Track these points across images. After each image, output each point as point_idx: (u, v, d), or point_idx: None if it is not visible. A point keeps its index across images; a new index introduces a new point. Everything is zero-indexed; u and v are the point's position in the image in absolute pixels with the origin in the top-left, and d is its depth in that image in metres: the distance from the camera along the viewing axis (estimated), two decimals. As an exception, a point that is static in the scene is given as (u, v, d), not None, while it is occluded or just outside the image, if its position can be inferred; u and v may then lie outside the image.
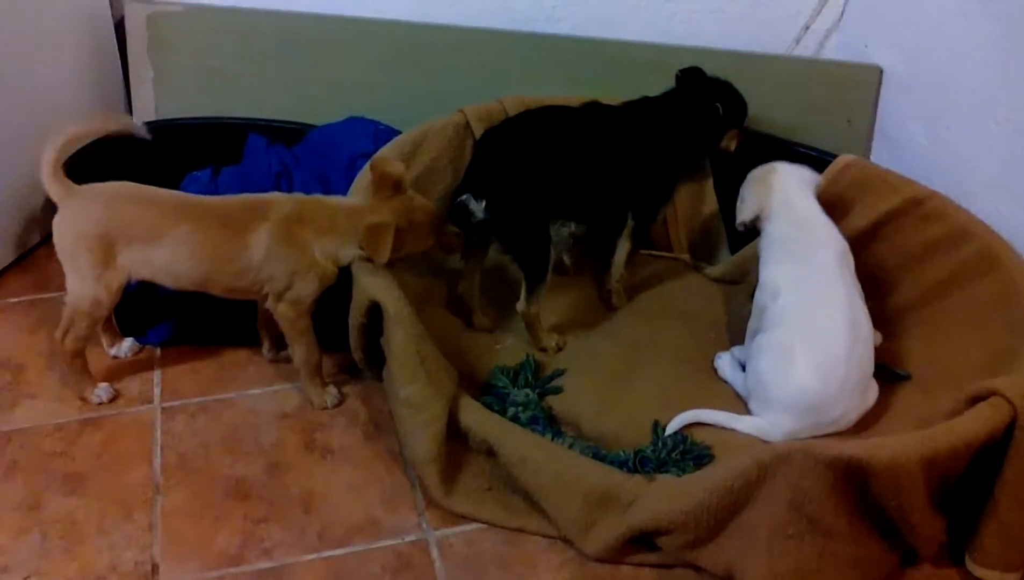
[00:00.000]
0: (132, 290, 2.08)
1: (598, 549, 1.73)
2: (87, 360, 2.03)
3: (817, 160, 2.37)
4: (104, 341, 2.14)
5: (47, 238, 1.91)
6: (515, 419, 1.92)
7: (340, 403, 2.06)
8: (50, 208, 1.92)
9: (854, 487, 1.59)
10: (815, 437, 1.89)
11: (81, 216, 1.88)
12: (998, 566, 1.70)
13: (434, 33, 2.57)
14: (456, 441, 1.83)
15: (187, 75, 2.60)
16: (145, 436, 1.97)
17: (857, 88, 2.59)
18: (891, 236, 2.20)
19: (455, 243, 2.06)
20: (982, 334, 1.94)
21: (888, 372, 2.03)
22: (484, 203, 2.03)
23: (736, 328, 2.17)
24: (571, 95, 2.31)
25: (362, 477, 1.90)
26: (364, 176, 2.01)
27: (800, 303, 1.96)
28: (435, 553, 1.76)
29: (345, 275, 1.95)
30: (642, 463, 1.84)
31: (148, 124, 2.57)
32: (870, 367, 1.93)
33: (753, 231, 2.16)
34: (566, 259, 2.40)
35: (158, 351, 2.18)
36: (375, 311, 1.86)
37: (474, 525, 1.81)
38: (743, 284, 2.31)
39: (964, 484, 1.68)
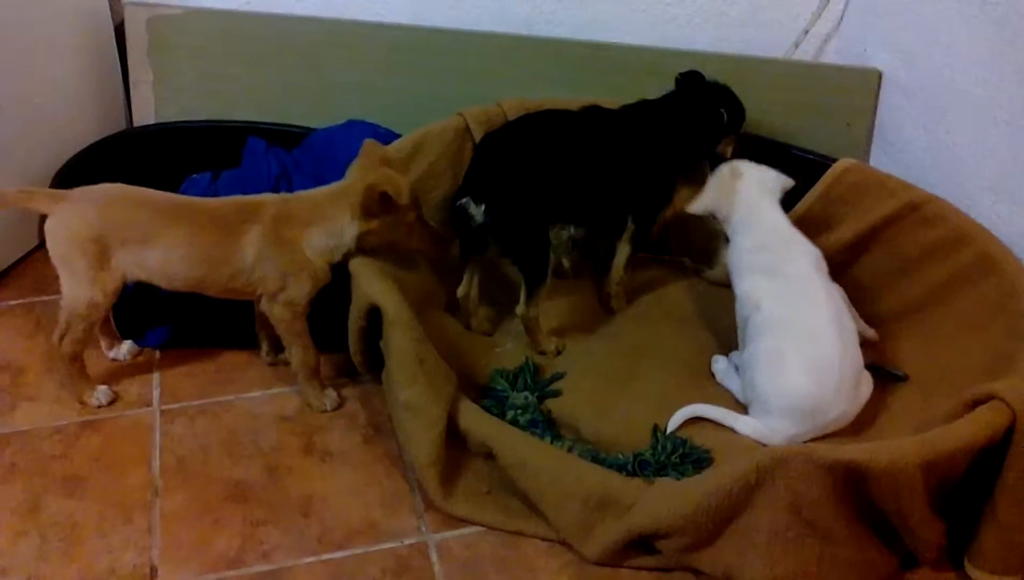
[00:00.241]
0: (130, 293, 2.08)
1: (597, 552, 1.73)
2: (85, 363, 2.02)
3: (816, 164, 2.37)
4: (103, 344, 2.14)
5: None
6: (514, 422, 1.92)
7: (339, 406, 2.06)
8: (49, 210, 1.92)
9: (853, 490, 1.59)
10: (816, 439, 1.89)
11: (74, 219, 1.88)
12: (997, 570, 1.69)
13: (433, 36, 2.58)
14: (455, 444, 1.83)
15: (187, 78, 2.60)
16: (144, 439, 1.97)
17: (856, 92, 2.59)
18: (890, 240, 2.20)
19: (437, 236, 2.02)
20: (981, 338, 1.94)
21: (884, 373, 2.04)
22: (483, 206, 2.04)
23: (735, 332, 2.16)
24: (570, 98, 2.31)
25: (361, 480, 1.90)
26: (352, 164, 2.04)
27: (782, 311, 1.96)
28: (434, 556, 1.76)
29: (343, 276, 1.95)
30: (641, 466, 1.84)
31: (148, 127, 2.59)
32: (860, 362, 1.94)
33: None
34: (565, 262, 2.40)
35: (157, 354, 2.18)
36: (374, 314, 1.86)
37: (473, 528, 1.81)
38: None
39: (963, 488, 1.69)
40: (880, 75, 2.57)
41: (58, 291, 1.94)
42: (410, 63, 2.57)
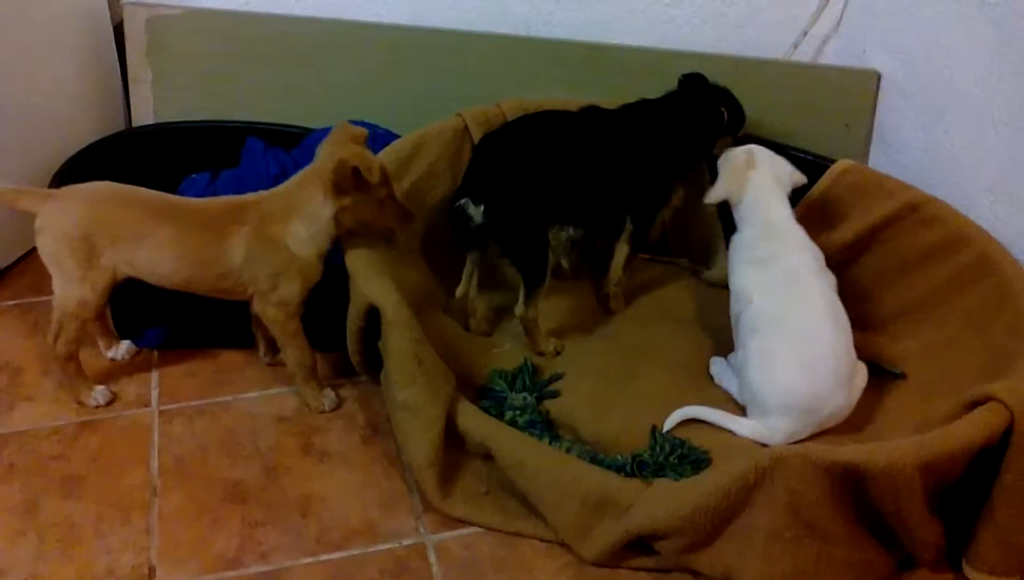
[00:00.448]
0: (128, 293, 2.08)
1: (595, 553, 1.73)
2: (81, 363, 2.02)
3: (815, 164, 2.37)
4: (101, 344, 2.14)
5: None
6: (513, 423, 1.92)
7: (338, 407, 2.06)
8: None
9: (851, 491, 1.59)
10: (816, 435, 1.90)
11: (63, 217, 1.88)
12: (995, 571, 1.70)
13: (432, 37, 2.58)
14: (454, 445, 1.83)
15: (186, 78, 2.60)
16: (142, 439, 1.97)
17: (855, 93, 2.59)
18: (889, 241, 2.20)
19: (407, 214, 2.00)
20: (980, 339, 1.94)
21: (882, 371, 2.04)
22: (482, 207, 2.04)
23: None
24: (569, 99, 2.31)
25: (360, 481, 1.90)
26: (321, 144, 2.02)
27: (775, 306, 1.95)
28: (433, 557, 1.76)
29: (341, 276, 1.96)
30: (640, 467, 1.84)
31: (147, 127, 2.59)
32: (854, 353, 1.94)
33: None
34: (564, 263, 2.40)
35: (155, 354, 2.18)
36: (373, 314, 1.86)
37: (471, 529, 1.81)
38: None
39: (961, 489, 1.69)
40: (879, 76, 2.57)
41: (56, 292, 1.94)
42: (409, 64, 2.57)
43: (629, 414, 1.99)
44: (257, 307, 1.97)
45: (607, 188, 2.21)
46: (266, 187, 2.28)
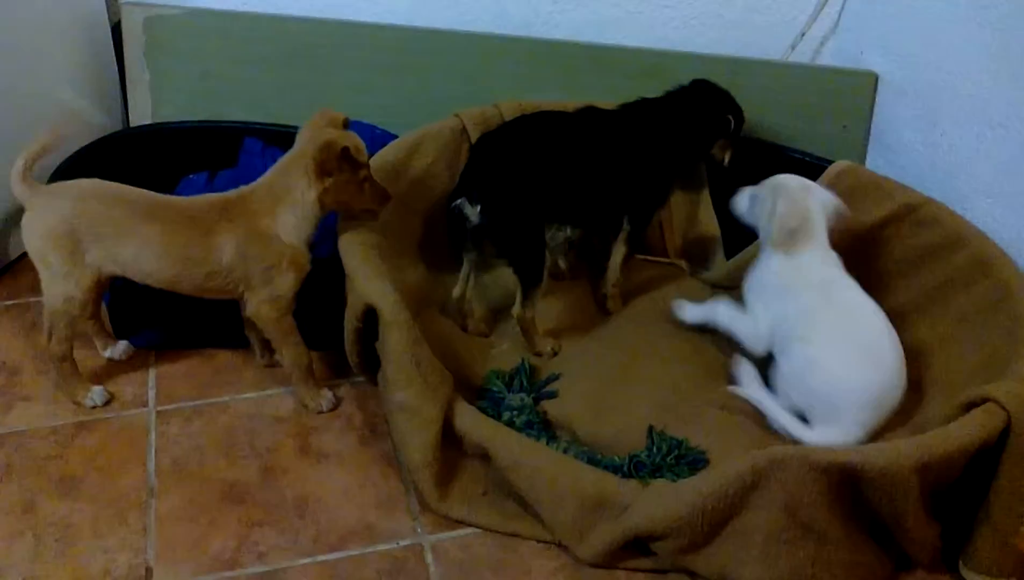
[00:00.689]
0: (125, 293, 2.08)
1: (593, 554, 1.73)
2: (76, 364, 2.02)
3: (813, 166, 2.37)
4: (98, 344, 2.14)
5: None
6: (510, 423, 1.92)
7: (335, 407, 2.06)
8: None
9: (849, 492, 1.59)
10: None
11: (48, 214, 1.88)
12: (992, 572, 1.70)
13: (430, 37, 2.58)
14: (451, 446, 1.83)
15: (184, 78, 2.60)
16: (139, 439, 1.97)
17: (852, 94, 2.59)
18: (886, 242, 2.21)
19: (385, 195, 1.99)
20: (976, 340, 1.94)
21: None
22: (480, 207, 2.04)
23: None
24: (567, 100, 2.31)
25: (357, 481, 1.90)
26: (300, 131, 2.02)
27: (828, 314, 1.95)
28: (430, 558, 1.76)
29: (337, 275, 1.96)
30: (637, 468, 1.84)
31: (145, 128, 2.59)
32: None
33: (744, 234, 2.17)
34: (562, 263, 2.40)
35: (152, 354, 2.18)
36: (371, 315, 1.86)
37: (469, 530, 1.81)
38: (738, 289, 2.31)
39: (958, 490, 1.69)
40: (876, 78, 2.57)
41: (52, 292, 1.94)
42: (407, 64, 2.57)
43: (626, 415, 1.99)
44: (249, 309, 1.96)
45: (604, 188, 2.21)
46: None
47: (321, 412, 2.04)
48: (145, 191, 1.96)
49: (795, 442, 1.88)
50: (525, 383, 2.06)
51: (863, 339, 1.92)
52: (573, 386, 2.08)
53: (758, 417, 1.98)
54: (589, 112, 2.25)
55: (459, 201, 2.07)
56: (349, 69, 2.58)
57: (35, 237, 1.89)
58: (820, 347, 1.91)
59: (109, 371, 2.13)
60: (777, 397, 1.98)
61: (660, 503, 1.67)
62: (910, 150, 2.46)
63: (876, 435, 1.91)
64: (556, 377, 2.10)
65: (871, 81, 2.58)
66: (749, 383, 2.03)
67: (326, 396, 2.05)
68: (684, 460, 1.87)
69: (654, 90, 2.32)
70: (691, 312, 2.21)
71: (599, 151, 2.18)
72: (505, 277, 2.17)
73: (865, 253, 2.22)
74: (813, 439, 1.88)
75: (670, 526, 1.66)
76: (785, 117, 2.56)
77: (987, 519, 1.67)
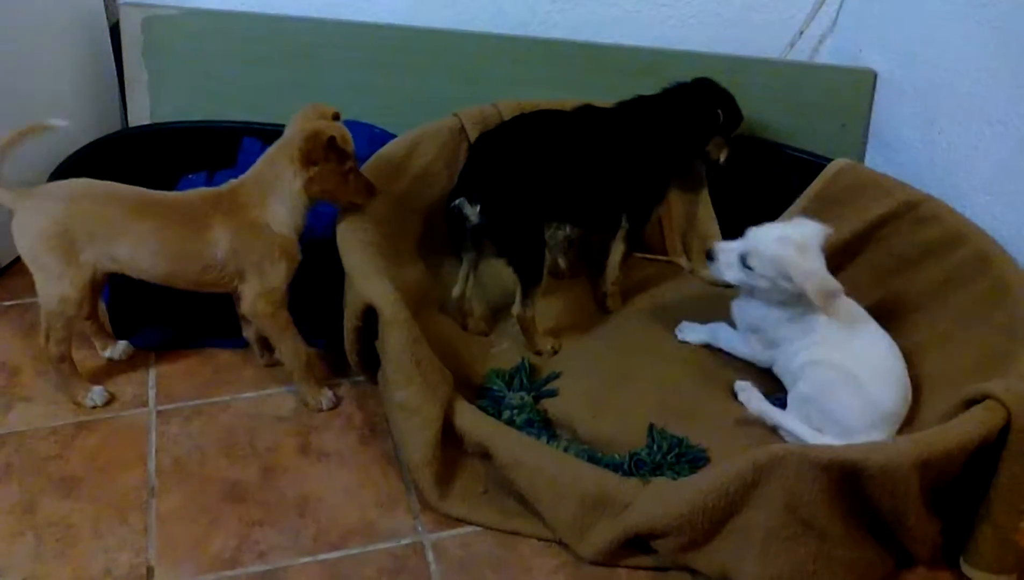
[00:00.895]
0: (125, 293, 2.08)
1: (593, 552, 1.73)
2: (76, 364, 2.02)
3: (811, 164, 2.38)
4: (97, 344, 2.14)
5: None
6: (510, 422, 1.92)
7: (336, 405, 2.06)
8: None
9: (849, 490, 1.59)
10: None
11: (39, 216, 1.88)
12: (992, 568, 1.70)
13: (429, 37, 2.58)
14: (451, 444, 1.83)
15: (182, 78, 2.60)
16: (140, 439, 1.97)
17: (851, 92, 2.60)
18: (886, 239, 2.21)
19: (370, 187, 1.99)
20: (976, 337, 1.94)
21: None
22: (479, 207, 2.04)
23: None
24: (565, 99, 2.31)
25: (357, 480, 1.90)
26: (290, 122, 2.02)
27: (836, 333, 1.95)
28: (431, 556, 1.76)
29: (338, 275, 1.96)
30: (637, 466, 1.84)
31: (143, 128, 2.58)
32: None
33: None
34: (561, 262, 2.40)
35: (152, 354, 2.17)
36: (371, 314, 1.86)
37: (469, 528, 1.81)
38: (737, 287, 2.32)
39: (959, 487, 1.69)
40: (875, 75, 2.57)
41: (51, 292, 1.94)
42: (405, 63, 2.57)
43: (626, 413, 1.99)
44: (244, 306, 1.96)
45: (603, 186, 2.21)
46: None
47: (321, 410, 2.04)
48: (136, 188, 1.96)
49: None
50: (525, 382, 2.06)
51: (874, 357, 1.93)
52: (573, 384, 2.08)
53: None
54: (586, 110, 2.25)
55: (459, 201, 2.07)
56: (348, 68, 2.58)
57: (27, 240, 1.89)
58: (839, 366, 1.91)
59: (109, 371, 2.13)
60: (790, 416, 1.97)
61: (661, 501, 1.68)
62: (909, 148, 2.46)
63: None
64: (556, 375, 2.10)
65: (870, 79, 2.58)
66: (758, 403, 2.01)
67: (326, 394, 2.05)
68: (685, 458, 1.88)
69: (652, 89, 2.33)
70: (694, 334, 2.21)
71: (597, 149, 2.18)
72: (505, 276, 2.16)
73: (865, 251, 2.22)
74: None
75: (671, 524, 1.66)
76: (784, 115, 2.56)
77: (987, 516, 1.68)
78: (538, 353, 2.16)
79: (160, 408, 2.04)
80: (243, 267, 1.92)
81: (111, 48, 2.64)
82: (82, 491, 1.85)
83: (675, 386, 2.08)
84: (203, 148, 2.46)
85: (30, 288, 2.25)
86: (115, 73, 2.65)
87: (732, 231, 2.27)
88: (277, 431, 2.00)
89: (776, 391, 2.04)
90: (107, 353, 2.14)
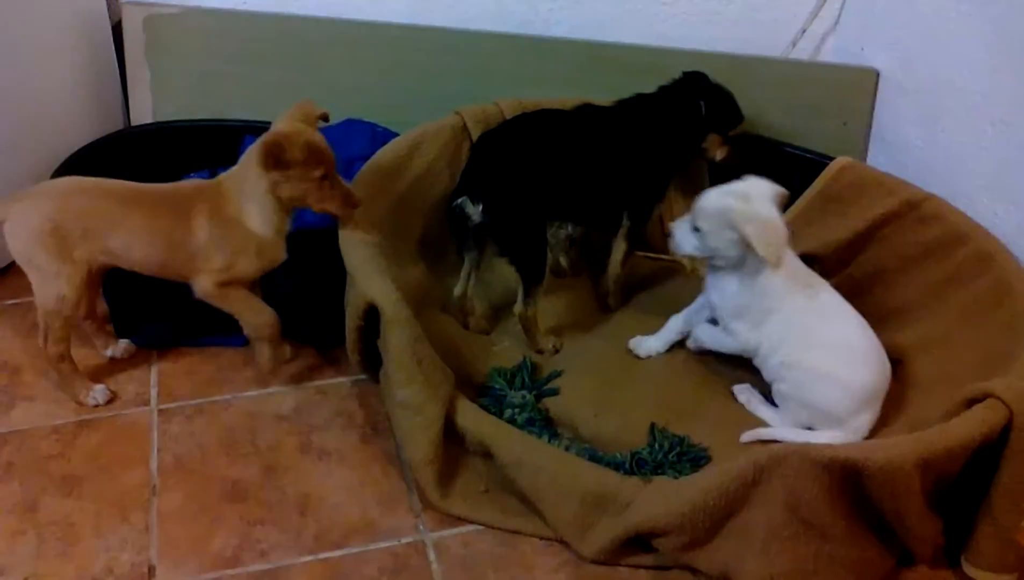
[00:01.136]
0: (126, 291, 2.08)
1: (595, 551, 1.73)
2: (76, 363, 2.02)
3: (813, 163, 2.37)
4: (98, 343, 2.14)
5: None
6: (512, 421, 1.92)
7: (291, 360, 2.09)
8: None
9: (850, 489, 1.59)
10: None
11: (30, 216, 1.88)
12: (994, 568, 1.70)
13: (431, 36, 2.58)
14: (453, 443, 1.83)
15: (184, 77, 2.60)
16: (142, 438, 1.97)
17: (853, 91, 2.59)
18: (888, 238, 2.20)
19: (349, 197, 1.94)
20: (978, 335, 1.94)
21: None
22: (481, 206, 2.04)
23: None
24: (568, 98, 2.31)
25: (359, 479, 1.90)
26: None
27: (811, 320, 1.95)
28: (432, 555, 1.76)
29: (338, 274, 1.96)
30: (639, 465, 1.84)
31: (146, 127, 2.59)
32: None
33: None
34: (563, 261, 2.40)
35: (154, 353, 2.18)
36: (372, 313, 1.86)
37: (471, 527, 1.81)
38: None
39: (960, 486, 1.69)
40: (877, 74, 2.57)
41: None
42: (408, 62, 2.57)
43: (628, 412, 1.99)
44: (197, 288, 1.94)
45: (604, 185, 2.21)
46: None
47: (272, 371, 2.06)
48: (125, 181, 1.97)
49: None
50: (527, 380, 2.06)
51: (848, 340, 1.93)
52: (575, 383, 2.08)
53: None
54: (586, 109, 2.24)
55: (460, 200, 2.07)
56: (350, 67, 2.58)
57: (20, 241, 1.89)
58: (812, 364, 1.91)
59: (110, 370, 2.13)
60: (782, 414, 1.98)
61: (662, 500, 1.68)
62: (911, 147, 2.46)
63: (877, 430, 1.91)
64: (558, 374, 2.10)
65: (872, 78, 2.57)
66: (756, 406, 2.03)
67: (286, 351, 2.07)
68: (686, 457, 1.88)
69: (653, 87, 2.32)
70: (653, 342, 2.18)
71: (598, 148, 2.18)
72: (506, 275, 2.16)
73: (866, 249, 2.22)
74: (822, 441, 1.87)
75: (672, 523, 1.66)
76: (786, 114, 2.55)
77: (989, 515, 1.67)
78: (540, 352, 2.16)
79: (162, 407, 2.05)
80: (212, 256, 1.92)
81: (113, 47, 2.64)
82: (84, 490, 1.85)
83: (677, 385, 2.08)
84: (205, 147, 2.46)
85: (30, 287, 2.26)
86: (117, 72, 2.65)
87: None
88: (279, 430, 2.00)
89: (777, 390, 2.04)
90: (109, 352, 2.15)
